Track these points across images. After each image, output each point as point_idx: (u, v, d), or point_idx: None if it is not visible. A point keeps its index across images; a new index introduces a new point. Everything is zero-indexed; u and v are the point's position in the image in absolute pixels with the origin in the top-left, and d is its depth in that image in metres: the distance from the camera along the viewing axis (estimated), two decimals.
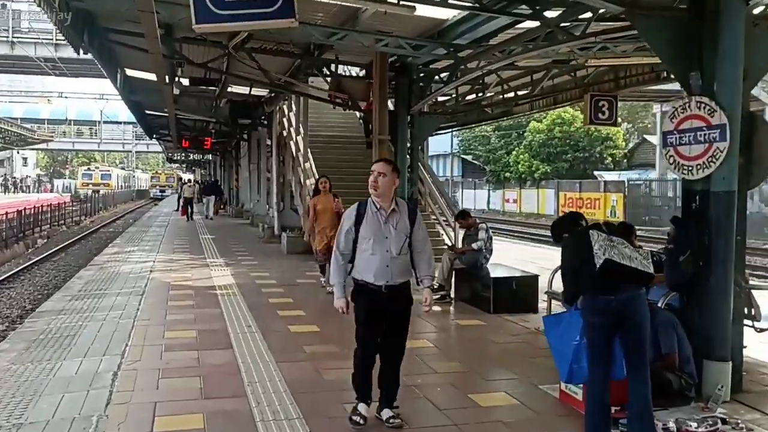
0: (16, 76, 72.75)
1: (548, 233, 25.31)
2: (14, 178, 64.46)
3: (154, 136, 33.60)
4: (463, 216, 9.28)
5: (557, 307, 7.28)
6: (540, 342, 6.81)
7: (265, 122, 18.81)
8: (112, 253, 14.79)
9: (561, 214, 5.65)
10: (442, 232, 14.42)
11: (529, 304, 8.29)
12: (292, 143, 16.69)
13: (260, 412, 4.56)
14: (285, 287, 9.99)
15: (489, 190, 50.39)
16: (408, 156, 12.21)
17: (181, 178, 57.06)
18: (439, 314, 8.48)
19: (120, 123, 69.31)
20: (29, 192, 59.32)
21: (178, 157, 49.87)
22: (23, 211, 28.84)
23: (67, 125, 73.21)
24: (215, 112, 19.19)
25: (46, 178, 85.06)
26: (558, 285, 7.29)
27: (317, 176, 14.61)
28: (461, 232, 10.22)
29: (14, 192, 55.53)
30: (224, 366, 5.67)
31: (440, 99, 13.95)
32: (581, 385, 4.55)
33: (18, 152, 70.70)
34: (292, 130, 16.76)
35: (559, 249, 4.27)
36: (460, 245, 9.76)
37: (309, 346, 6.41)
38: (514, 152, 47.98)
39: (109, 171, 67.26)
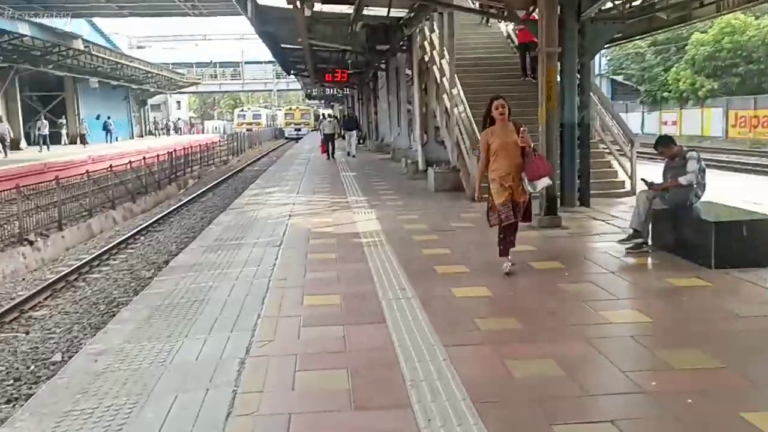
0: (165, 22, 76.00)
1: (723, 158, 21.78)
2: (169, 121, 67.82)
3: (292, 72, 33.07)
4: (665, 142, 7.21)
5: None
6: None
7: (405, 47, 17.13)
8: (252, 194, 14.12)
9: None
10: (616, 165, 12.27)
11: (765, 257, 6.26)
12: (435, 68, 14.98)
13: None
14: (439, 234, 8.55)
15: (643, 112, 45.81)
16: (578, 74, 10.13)
17: (322, 114, 57.09)
18: (637, 268, 6.69)
19: (261, 63, 70.55)
20: (180, 134, 62.37)
21: (316, 93, 49.65)
22: (173, 153, 29.69)
23: (212, 67, 75.69)
24: (351, 39, 17.79)
25: (198, 120, 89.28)
26: None
27: (466, 103, 12.94)
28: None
29: (167, 134, 58.43)
30: (377, 352, 4.33)
31: (606, 6, 11.60)
32: None
33: (170, 96, 74.24)
34: (434, 53, 15.01)
35: None
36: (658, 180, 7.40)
37: (482, 320, 4.94)
38: (673, 69, 42.89)
39: (259, 111, 69.94)
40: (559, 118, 9.23)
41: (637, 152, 11.87)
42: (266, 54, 46.19)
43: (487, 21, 18.07)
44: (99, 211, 18.91)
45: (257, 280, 6.34)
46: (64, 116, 39.36)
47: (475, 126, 12.19)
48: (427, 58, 16.07)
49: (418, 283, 6.03)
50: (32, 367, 7.33)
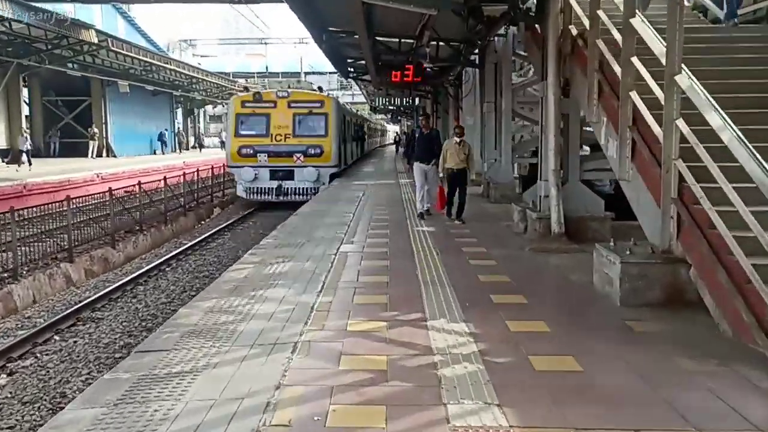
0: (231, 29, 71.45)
1: None
2: (201, 133, 61.63)
3: (350, 74, 26.18)
4: None
5: None
6: None
7: (534, 12, 9.75)
8: (232, 286, 6.92)
9: None
10: None
11: None
12: (600, 44, 7.66)
13: None
14: None
15: None
16: None
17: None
18: None
19: (324, 73, 64.84)
20: (223, 148, 56.91)
21: (381, 104, 42.59)
22: (197, 176, 23.37)
23: (264, 78, 70.20)
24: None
25: None
26: None
27: (721, 111, 5.57)
28: None
29: (199, 149, 52.42)
30: None
31: None
32: None
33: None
34: (601, 14, 7.69)
35: None
36: None
37: None
38: None
39: None
40: None
41: None
42: (330, 65, 40.33)
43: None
44: (42, 267, 12.43)
45: None
46: (93, 125, 33.76)
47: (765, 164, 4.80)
48: (575, 31, 8.79)
49: None
50: None
